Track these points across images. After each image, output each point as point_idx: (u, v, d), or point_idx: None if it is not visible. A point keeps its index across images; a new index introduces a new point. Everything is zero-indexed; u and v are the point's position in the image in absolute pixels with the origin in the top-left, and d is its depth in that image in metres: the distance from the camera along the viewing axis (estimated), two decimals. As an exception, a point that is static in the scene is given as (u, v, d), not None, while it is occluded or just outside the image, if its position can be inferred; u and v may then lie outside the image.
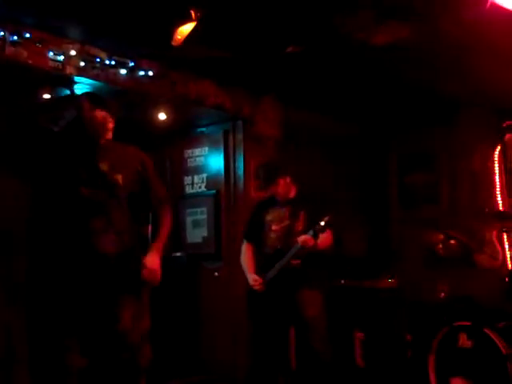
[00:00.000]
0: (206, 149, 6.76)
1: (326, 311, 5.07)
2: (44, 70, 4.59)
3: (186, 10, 4.23)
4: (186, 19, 4.29)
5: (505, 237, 6.56)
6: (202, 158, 6.80)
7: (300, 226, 5.02)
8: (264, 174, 5.25)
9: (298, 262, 4.96)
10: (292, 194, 5.21)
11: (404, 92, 6.37)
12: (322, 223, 4.79)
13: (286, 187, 5.17)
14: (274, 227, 5.13)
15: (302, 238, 4.84)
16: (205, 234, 6.67)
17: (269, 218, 5.19)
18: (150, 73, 5.20)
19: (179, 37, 4.43)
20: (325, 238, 4.92)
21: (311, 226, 4.85)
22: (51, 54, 4.58)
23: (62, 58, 4.63)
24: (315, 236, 4.82)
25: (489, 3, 3.97)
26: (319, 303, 5.03)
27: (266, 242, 5.15)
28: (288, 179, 5.17)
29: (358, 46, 4.95)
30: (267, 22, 4.61)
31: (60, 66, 4.64)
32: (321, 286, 5.12)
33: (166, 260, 3.94)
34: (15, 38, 4.32)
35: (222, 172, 6.53)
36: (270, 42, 4.98)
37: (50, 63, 4.60)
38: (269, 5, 4.25)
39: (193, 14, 4.26)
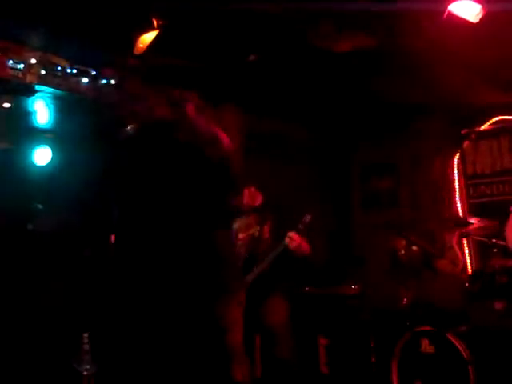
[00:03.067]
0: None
1: (290, 318, 5.08)
2: (4, 78, 4.52)
3: (148, 19, 4.23)
4: (148, 28, 4.29)
5: (465, 242, 6.66)
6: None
7: (267, 234, 5.03)
8: None
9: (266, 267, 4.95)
10: (258, 202, 5.21)
11: (366, 101, 6.44)
12: (303, 223, 4.77)
13: (250, 197, 5.17)
14: (240, 235, 5.13)
15: (289, 235, 4.79)
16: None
17: (235, 226, 5.18)
18: (112, 81, 5.16)
19: (141, 45, 4.42)
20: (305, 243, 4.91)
21: (294, 227, 4.82)
22: (11, 62, 4.52)
23: (22, 66, 4.57)
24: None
25: (446, 13, 4.04)
26: (284, 310, 5.03)
27: None
28: (253, 189, 5.18)
29: (321, 55, 4.99)
30: (229, 31, 4.62)
31: (20, 75, 4.58)
32: (286, 293, 5.12)
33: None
34: (-26, 46, 4.27)
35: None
36: (232, 51, 4.99)
37: (10, 72, 4.54)
38: (230, 14, 4.26)
39: (155, 23, 4.25)
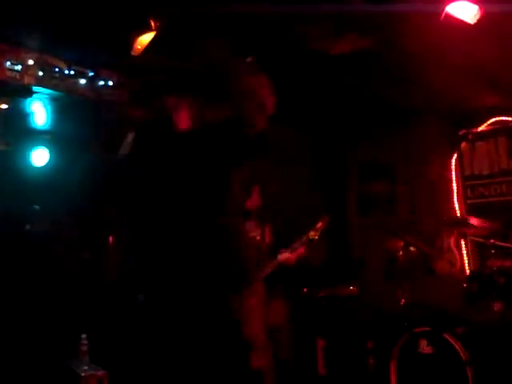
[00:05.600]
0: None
1: (290, 320, 5.08)
2: (1, 79, 4.52)
3: (145, 20, 4.22)
4: (146, 29, 4.28)
5: (463, 243, 6.67)
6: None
7: (268, 238, 5.01)
8: None
9: None
10: (257, 203, 5.15)
11: (364, 102, 6.44)
12: (313, 232, 4.81)
13: (254, 198, 5.12)
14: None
15: (283, 257, 4.84)
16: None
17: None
18: (110, 82, 5.16)
19: (139, 46, 4.42)
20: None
21: (299, 237, 4.86)
22: (8, 63, 4.52)
23: (19, 67, 4.57)
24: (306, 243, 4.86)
25: (443, 14, 4.05)
26: (284, 312, 5.03)
27: None
28: (257, 189, 5.12)
29: (318, 56, 4.99)
30: (226, 34, 4.61)
31: (18, 76, 4.58)
32: (285, 294, 5.11)
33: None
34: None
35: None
36: (230, 53, 4.99)
37: (8, 73, 4.53)
38: (228, 17, 4.26)
39: (152, 24, 4.25)
